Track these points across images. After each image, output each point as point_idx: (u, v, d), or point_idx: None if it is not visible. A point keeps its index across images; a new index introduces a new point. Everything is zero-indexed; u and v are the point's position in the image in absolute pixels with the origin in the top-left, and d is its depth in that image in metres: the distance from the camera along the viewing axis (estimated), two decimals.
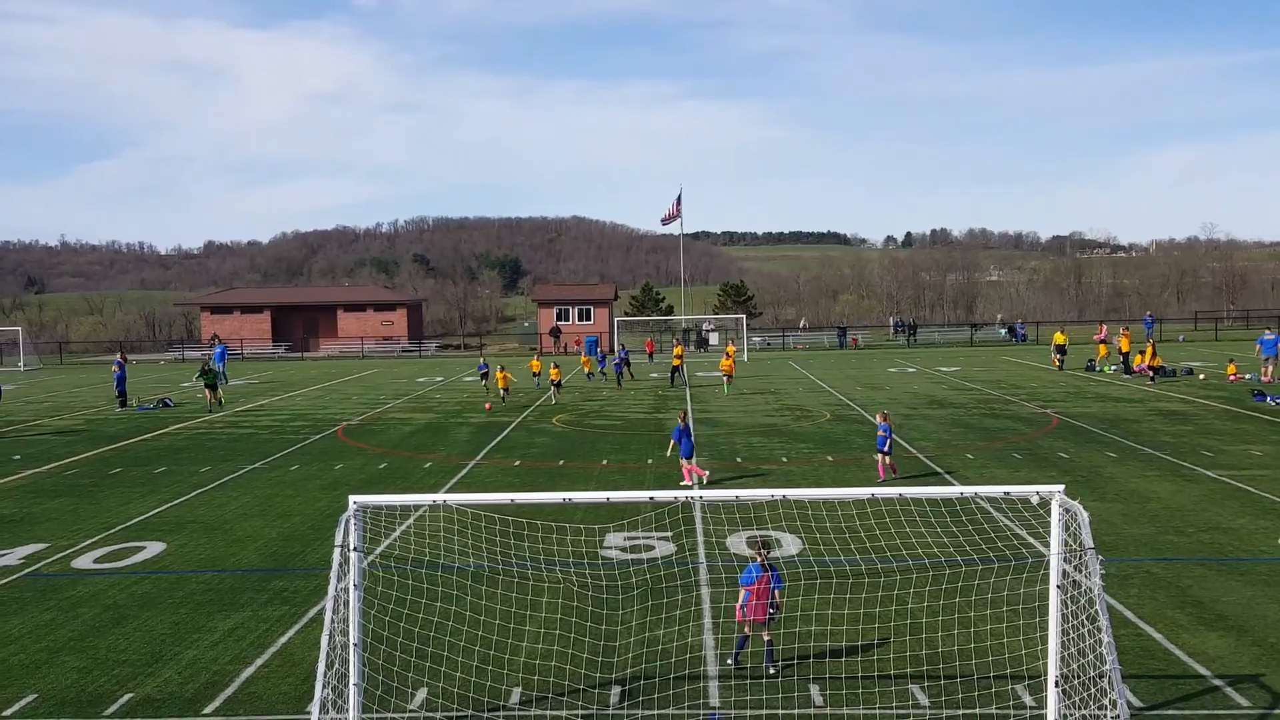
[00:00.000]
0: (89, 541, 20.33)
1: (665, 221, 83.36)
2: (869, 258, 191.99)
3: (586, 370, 55.44)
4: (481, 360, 50.06)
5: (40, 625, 15.25)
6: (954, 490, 12.22)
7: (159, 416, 41.37)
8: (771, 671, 12.74)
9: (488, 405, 39.50)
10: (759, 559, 12.87)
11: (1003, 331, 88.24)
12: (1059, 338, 57.99)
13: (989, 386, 47.02)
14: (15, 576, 17.97)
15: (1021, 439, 31.09)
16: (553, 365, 45.13)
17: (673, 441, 25.23)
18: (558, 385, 43.15)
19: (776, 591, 12.79)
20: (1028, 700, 11.91)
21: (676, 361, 53.61)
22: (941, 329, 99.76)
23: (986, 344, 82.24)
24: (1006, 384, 47.95)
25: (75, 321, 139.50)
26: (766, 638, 12.87)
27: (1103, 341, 56.60)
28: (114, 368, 45.95)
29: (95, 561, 18.87)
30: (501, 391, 43.54)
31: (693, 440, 25.25)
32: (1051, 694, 11.05)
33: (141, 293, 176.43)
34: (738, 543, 18.69)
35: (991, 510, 19.87)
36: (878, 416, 24.96)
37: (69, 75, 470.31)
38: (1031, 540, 17.71)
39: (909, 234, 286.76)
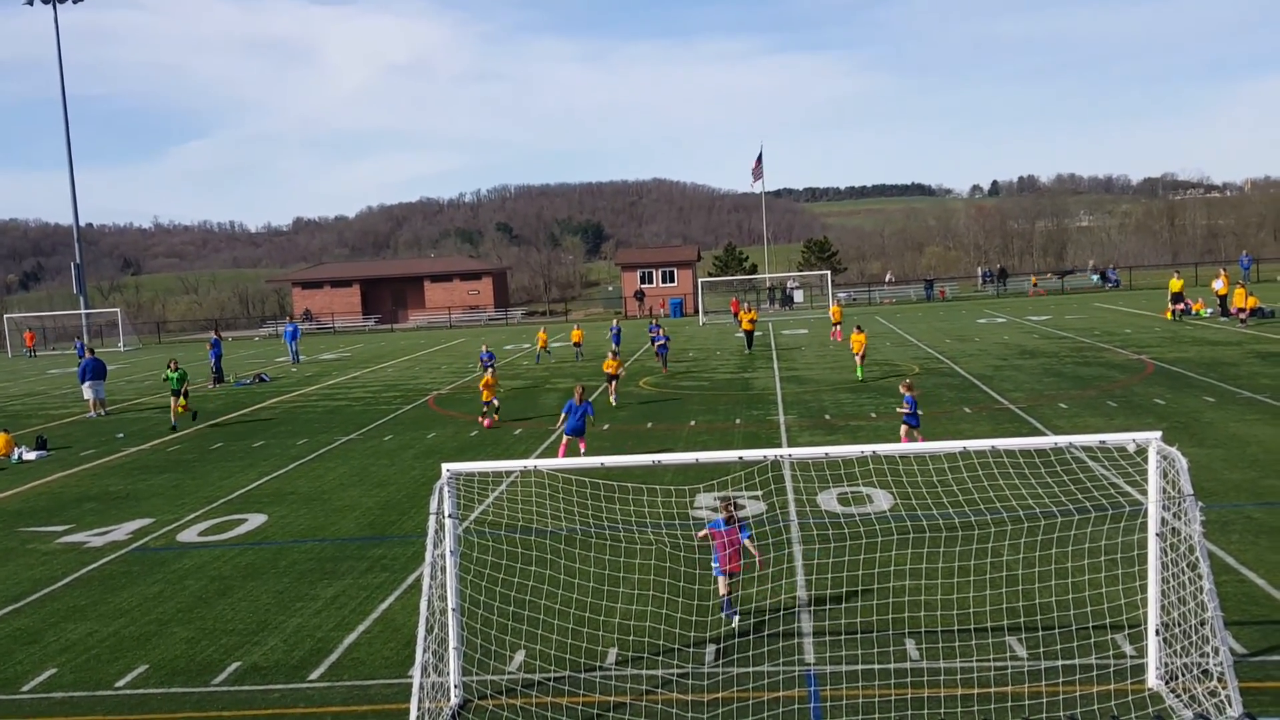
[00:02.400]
0: (193, 515, 21.08)
1: (755, 179, 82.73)
2: (954, 208, 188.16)
3: (541, 347, 47.54)
4: (484, 349, 40.00)
5: (149, 598, 15.87)
6: (1048, 440, 11.98)
7: (255, 392, 42.54)
8: (735, 622, 13.02)
9: (485, 420, 29.71)
10: (723, 514, 13.14)
11: (1095, 278, 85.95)
12: (1175, 284, 51.76)
13: (1081, 334, 45.93)
14: (124, 551, 18.72)
15: (1116, 386, 30.35)
16: (610, 355, 34.03)
17: (563, 414, 23.71)
18: (613, 379, 33.05)
19: (745, 540, 13.08)
20: (1128, 650, 11.71)
21: (747, 326, 48.42)
22: (1028, 278, 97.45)
23: (1079, 291, 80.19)
24: (1099, 331, 46.79)
25: (171, 301, 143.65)
26: (725, 588, 13.08)
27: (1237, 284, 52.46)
28: (209, 345, 47.27)
29: (200, 535, 19.56)
30: (543, 352, 44.99)
31: (584, 420, 23.40)
32: (1152, 642, 10.85)
33: (234, 271, 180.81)
34: (829, 500, 18.63)
35: (1087, 460, 19.46)
36: (901, 387, 22.19)
37: (158, 59, 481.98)
38: (1129, 489, 17.33)
39: (995, 182, 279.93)
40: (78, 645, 13.96)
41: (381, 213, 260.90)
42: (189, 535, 19.54)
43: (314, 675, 12.51)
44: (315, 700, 11.79)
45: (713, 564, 13.32)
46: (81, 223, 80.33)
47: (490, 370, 31.39)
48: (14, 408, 41.75)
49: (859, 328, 36.06)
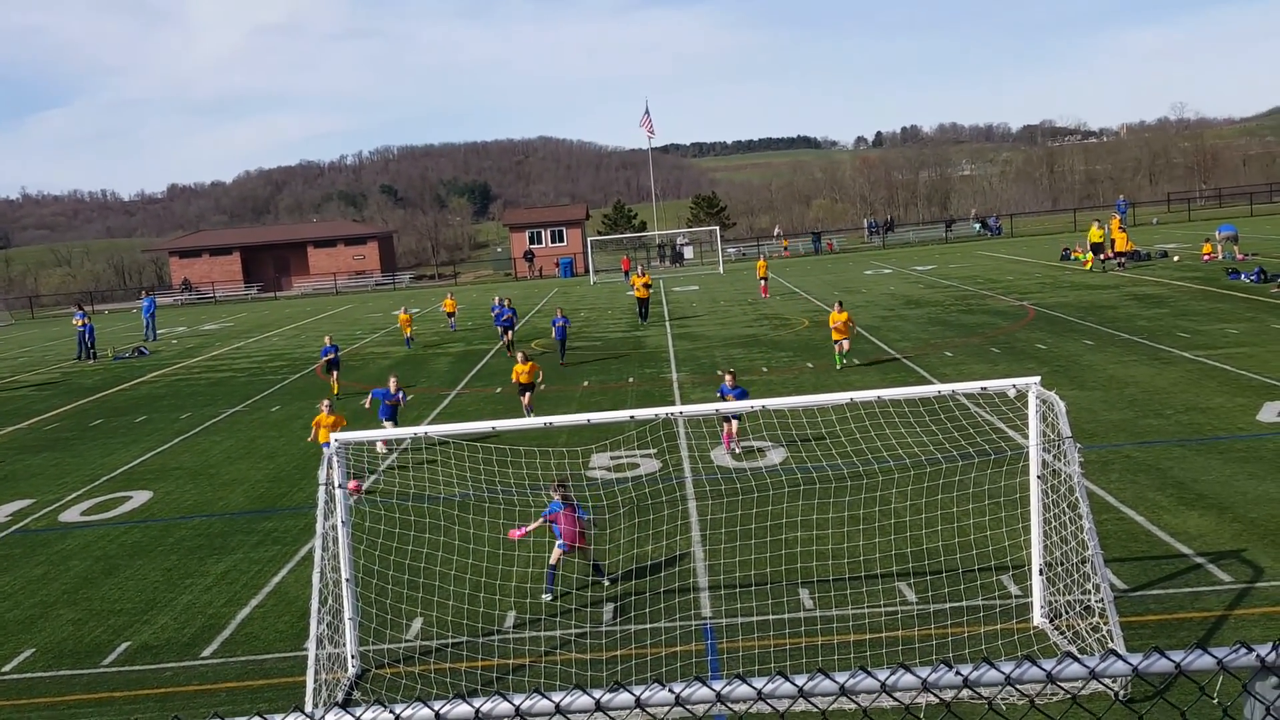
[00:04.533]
0: (75, 494, 20.31)
1: (647, 132, 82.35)
2: (840, 160, 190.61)
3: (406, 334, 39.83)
4: (327, 342, 29.64)
5: (32, 580, 15.30)
6: (932, 389, 12.30)
7: (135, 365, 41.08)
8: (608, 582, 13.23)
9: (352, 485, 15.86)
10: (557, 496, 13.22)
11: (977, 226, 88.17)
12: (1095, 233, 48.05)
13: (965, 283, 47.14)
14: (4, 533, 17.97)
15: (999, 333, 31.26)
16: (519, 357, 24.39)
17: (371, 399, 21.85)
18: (527, 390, 23.69)
19: (582, 521, 13.26)
20: (1013, 590, 12.13)
21: (641, 293, 41.54)
22: (916, 228, 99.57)
23: (962, 240, 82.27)
24: (983, 279, 48.07)
25: (44, 274, 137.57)
26: (591, 559, 13.36)
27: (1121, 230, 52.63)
28: (77, 322, 44.90)
29: (83, 514, 18.86)
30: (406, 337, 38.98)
31: (396, 408, 21.50)
32: (1036, 582, 11.26)
33: (108, 241, 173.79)
34: (722, 456, 18.81)
35: (970, 406, 20.03)
36: (727, 378, 19.03)
37: (10, 22, 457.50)
38: (1011, 433, 17.89)
39: (879, 133, 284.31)
40: None
41: (260, 177, 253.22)
42: (71, 515, 18.83)
43: (207, 652, 12.22)
44: (209, 677, 11.53)
45: (557, 540, 13.23)
46: None
47: (326, 409, 19.33)
48: None
49: (840, 305, 28.30)
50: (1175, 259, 48.07)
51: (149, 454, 23.55)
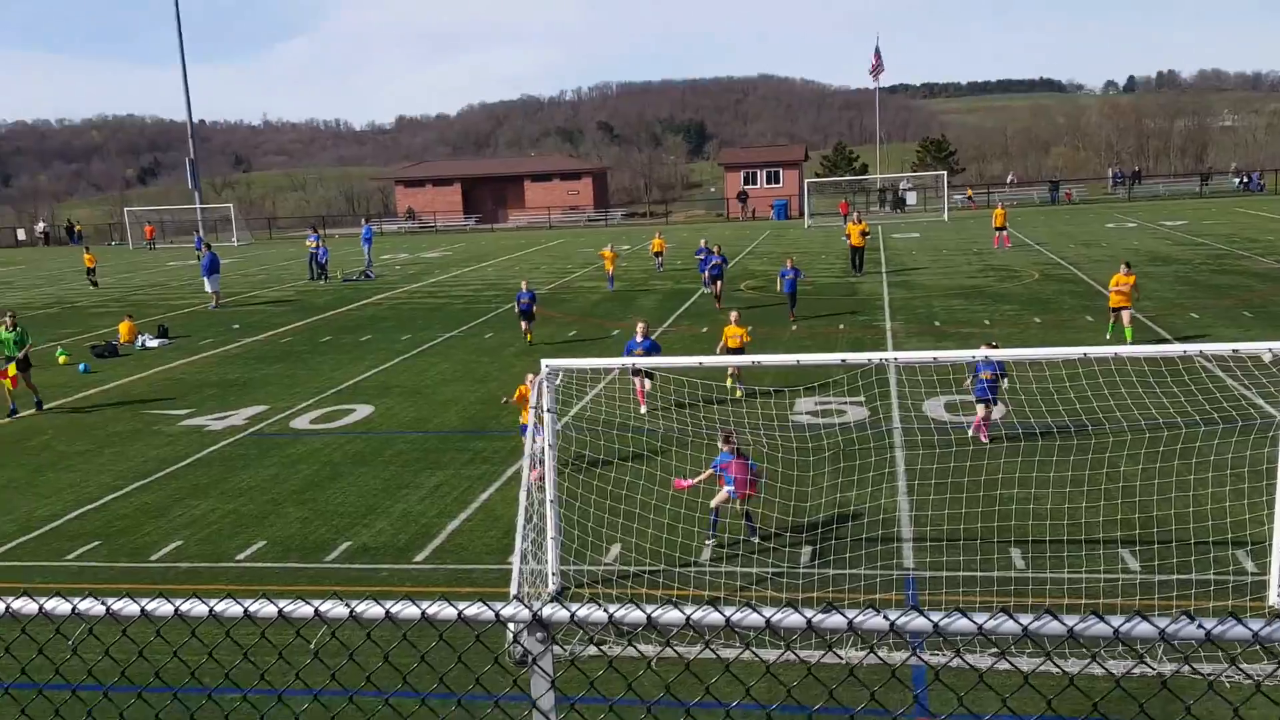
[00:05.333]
0: (305, 404, 21.63)
1: (875, 74, 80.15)
2: (1086, 105, 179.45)
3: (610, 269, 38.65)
4: (524, 287, 27.48)
5: (265, 479, 16.43)
6: (1175, 348, 11.35)
7: (361, 288, 43.29)
8: (756, 540, 12.73)
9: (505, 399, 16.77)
10: (726, 447, 12.66)
11: (1236, 182, 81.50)
12: None
13: (1219, 241, 43.79)
14: (241, 435, 19.35)
15: (1255, 296, 28.89)
16: (732, 317, 21.11)
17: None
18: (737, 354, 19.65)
19: (753, 471, 12.81)
20: (1249, 566, 11.22)
21: (857, 241, 38.75)
22: (1167, 180, 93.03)
23: (1219, 195, 76.45)
24: (1240, 238, 44.53)
25: (280, 198, 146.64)
26: (746, 512, 12.89)
27: None
28: (310, 244, 47.47)
29: (311, 422, 20.08)
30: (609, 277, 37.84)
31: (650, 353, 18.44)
32: (1276, 559, 10.35)
33: (339, 169, 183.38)
34: (935, 407, 18.17)
35: (1218, 370, 18.56)
36: (983, 348, 14.80)
37: None
38: (1261, 401, 16.50)
39: (1131, 78, 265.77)
40: (201, 520, 14.67)
41: (483, 111, 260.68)
42: (301, 423, 20.08)
43: (419, 558, 12.82)
44: (420, 580, 12.10)
45: (728, 486, 12.70)
46: (195, 119, 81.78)
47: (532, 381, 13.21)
48: (136, 298, 43.32)
49: (1127, 266, 24.14)
50: None
51: (371, 371, 24.79)
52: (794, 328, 27.59)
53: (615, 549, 12.63)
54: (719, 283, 31.97)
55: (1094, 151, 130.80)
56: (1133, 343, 22.24)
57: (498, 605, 2.53)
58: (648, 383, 18.66)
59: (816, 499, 13.61)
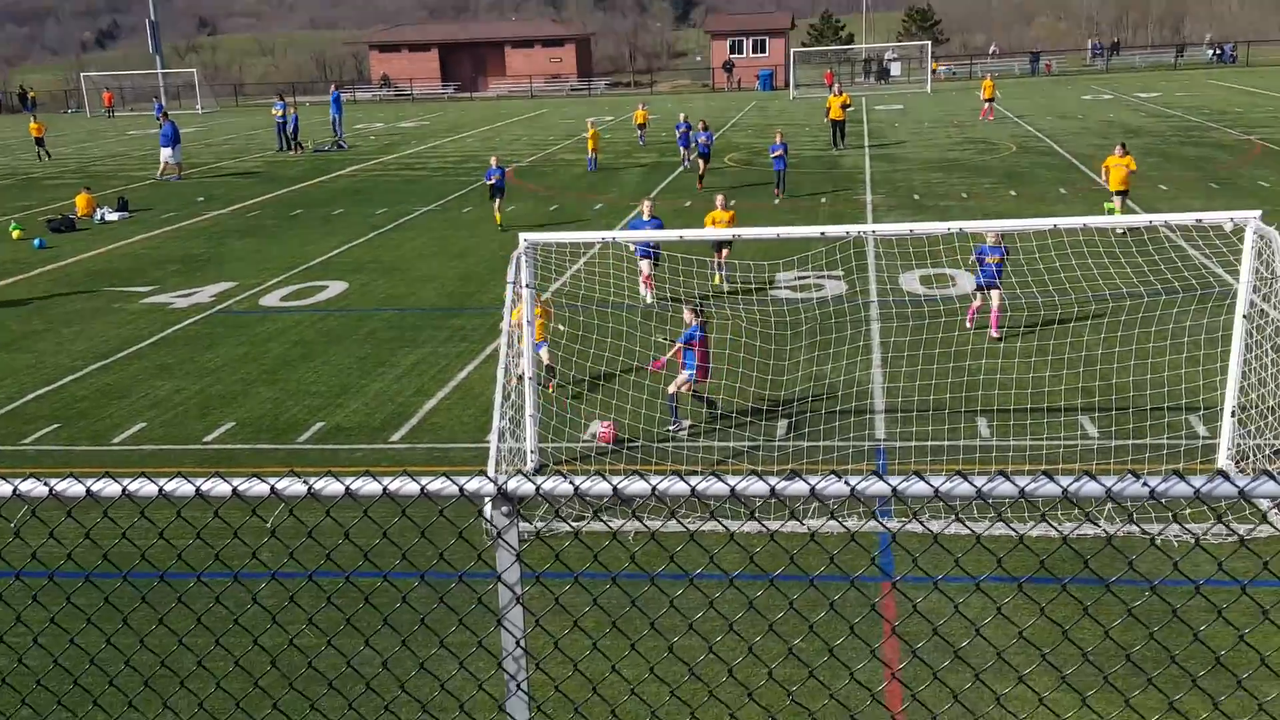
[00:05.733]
0: (275, 280, 21.54)
1: None
2: None
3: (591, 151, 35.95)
4: (493, 163, 25.66)
5: (234, 359, 16.42)
6: (1141, 219, 11.54)
7: (334, 159, 42.61)
8: (720, 412, 12.78)
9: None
10: (696, 321, 12.38)
11: (1210, 53, 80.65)
12: None
13: (1190, 113, 43.55)
14: (208, 313, 19.28)
15: (1221, 168, 28.93)
16: (718, 201, 19.05)
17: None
18: (723, 245, 18.96)
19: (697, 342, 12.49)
20: (1201, 430, 11.61)
21: (838, 114, 37.54)
22: (1144, 52, 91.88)
23: (1192, 67, 75.57)
24: (1210, 110, 44.28)
25: (248, 63, 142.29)
26: (706, 398, 12.80)
27: None
28: (276, 112, 46.11)
29: (282, 300, 20.05)
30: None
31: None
32: (1226, 423, 10.72)
33: (310, 33, 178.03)
34: (910, 281, 18.34)
35: (1181, 241, 18.77)
36: (989, 238, 14.85)
37: None
38: (1220, 271, 16.76)
39: None
40: (166, 401, 14.62)
41: None
42: (271, 300, 20.04)
43: (395, 437, 13.00)
44: (397, 460, 12.29)
45: (688, 370, 12.50)
46: None
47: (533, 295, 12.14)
48: (95, 169, 42.39)
49: (1123, 147, 22.23)
50: None
51: (345, 246, 24.66)
52: (776, 203, 27.45)
53: (595, 425, 12.87)
54: (704, 162, 30.58)
55: (1075, 23, 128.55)
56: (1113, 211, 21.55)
57: (461, 479, 2.66)
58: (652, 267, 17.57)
59: (793, 373, 13.86)
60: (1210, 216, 10.50)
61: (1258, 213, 10.24)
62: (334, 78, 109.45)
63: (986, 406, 12.60)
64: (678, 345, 12.80)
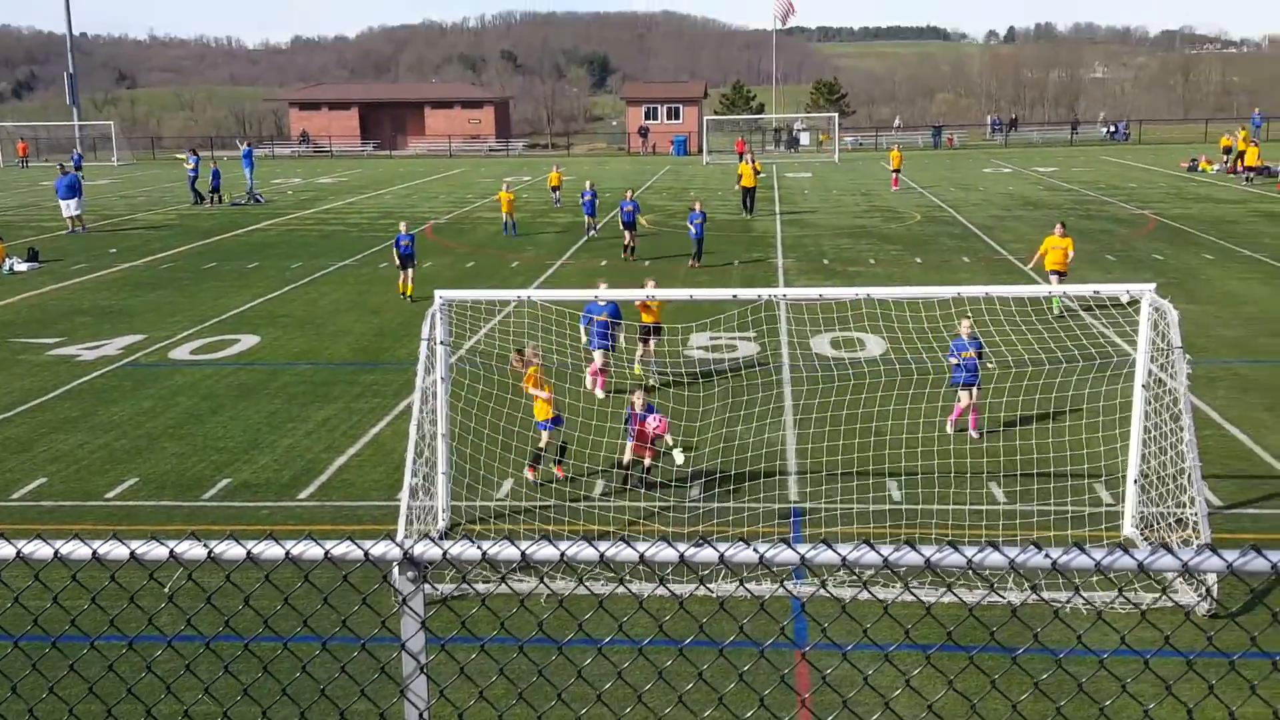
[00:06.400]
0: (185, 333, 21.08)
1: (783, 18, 79.91)
2: (969, 54, 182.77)
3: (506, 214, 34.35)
4: (402, 229, 24.23)
5: (140, 412, 15.98)
6: (1041, 289, 11.95)
7: (251, 212, 42.05)
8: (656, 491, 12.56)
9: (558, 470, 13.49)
10: (639, 404, 12.59)
11: (1104, 131, 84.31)
12: (1247, 150, 42.23)
13: (1087, 187, 45.31)
14: (115, 366, 18.76)
15: (1117, 241, 30.09)
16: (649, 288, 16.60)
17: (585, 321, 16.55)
18: (651, 333, 17.49)
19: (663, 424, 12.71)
20: (1105, 497, 11.92)
21: (750, 181, 37.80)
22: (1041, 128, 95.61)
23: (1087, 143, 78.80)
24: (1105, 185, 46.13)
25: (167, 117, 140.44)
26: (646, 463, 12.82)
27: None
28: (190, 165, 45.46)
29: (192, 353, 19.60)
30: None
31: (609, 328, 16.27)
32: (1130, 491, 11.04)
33: (231, 88, 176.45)
34: (821, 344, 18.64)
35: (1080, 311, 19.45)
36: (964, 330, 14.10)
37: None
38: (1119, 340, 17.36)
39: (1012, 28, 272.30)
40: (68, 456, 14.14)
41: (383, 34, 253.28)
42: (181, 353, 19.58)
43: (304, 494, 12.72)
44: (304, 518, 12.02)
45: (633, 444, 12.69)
46: (75, 31, 77.55)
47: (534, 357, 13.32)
48: (5, 218, 41.21)
49: (1063, 227, 20.90)
50: None
51: (259, 300, 24.26)
52: (693, 268, 27.30)
53: (508, 484, 12.77)
54: (631, 231, 29.00)
55: (975, 99, 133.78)
56: (1073, 305, 20.33)
57: (366, 544, 2.62)
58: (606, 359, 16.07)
59: (705, 434, 13.93)
60: (1108, 288, 10.92)
61: (1152, 285, 10.68)
62: (253, 133, 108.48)
63: (895, 471, 12.80)
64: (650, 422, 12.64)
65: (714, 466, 13.11)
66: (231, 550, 2.65)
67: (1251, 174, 44.65)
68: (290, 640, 8.38)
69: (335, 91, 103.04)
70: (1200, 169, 50.88)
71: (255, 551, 2.64)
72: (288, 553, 2.65)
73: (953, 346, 14.03)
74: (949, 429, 14.12)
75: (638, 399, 12.78)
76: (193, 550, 2.66)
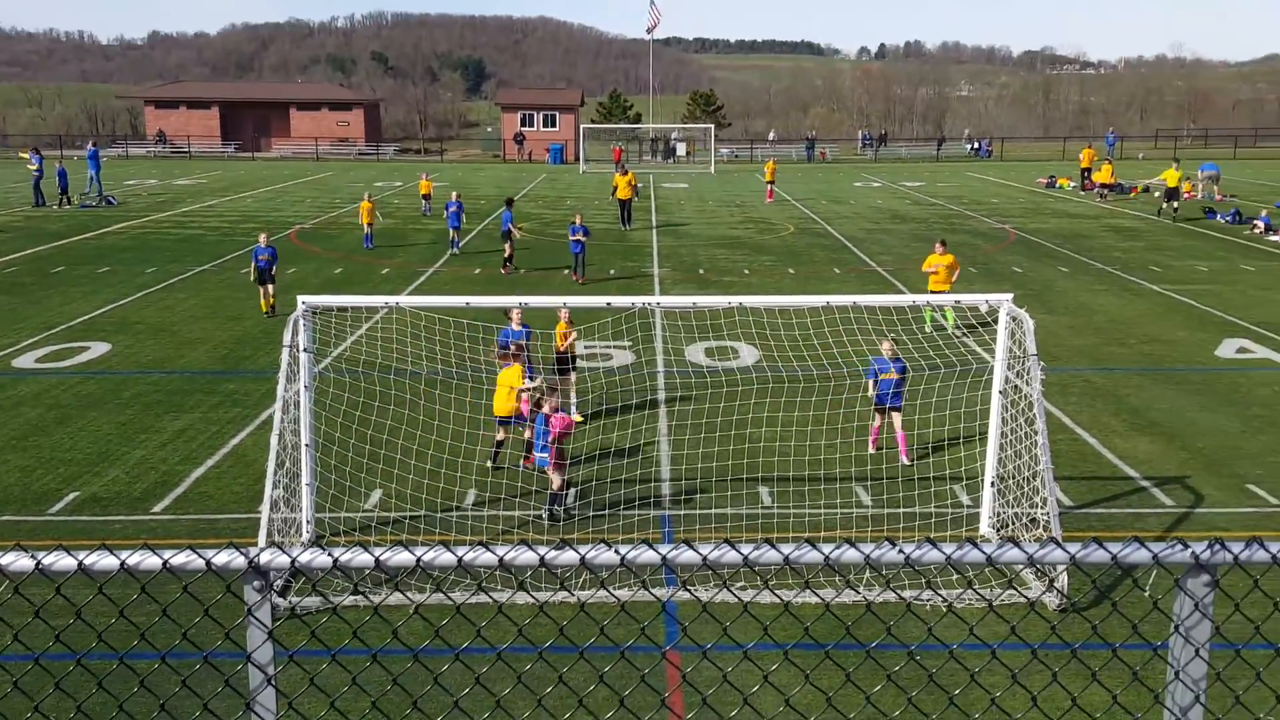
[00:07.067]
0: (30, 341, 20.01)
1: (651, 30, 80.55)
2: (841, 69, 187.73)
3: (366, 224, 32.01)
4: (262, 241, 22.40)
5: None
6: (906, 299, 12.29)
7: (102, 215, 40.29)
8: (548, 518, 11.89)
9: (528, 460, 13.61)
10: (549, 408, 12.03)
11: (969, 147, 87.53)
12: (1172, 177, 38.66)
13: (951, 202, 46.87)
14: None
15: (979, 254, 31.18)
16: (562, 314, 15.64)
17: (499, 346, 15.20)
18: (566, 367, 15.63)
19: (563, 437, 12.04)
20: (965, 499, 12.28)
21: (625, 193, 36.98)
22: (909, 144, 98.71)
23: (952, 159, 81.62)
24: (968, 200, 47.79)
25: (12, 114, 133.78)
26: (557, 483, 11.99)
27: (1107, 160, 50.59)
28: (33, 165, 42.54)
29: (37, 361, 18.62)
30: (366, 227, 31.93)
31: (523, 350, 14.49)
32: (987, 493, 11.41)
33: (83, 85, 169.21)
34: (696, 353, 18.77)
35: (942, 320, 20.05)
36: (885, 350, 13.73)
37: None
38: (977, 348, 17.98)
39: (883, 45, 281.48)
40: None
41: (246, 32, 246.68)
42: (25, 361, 18.58)
43: (158, 508, 12.19)
44: (158, 532, 11.52)
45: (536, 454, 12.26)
46: None
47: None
48: None
49: (943, 244, 21.01)
50: (1156, 194, 47.65)
51: (110, 306, 23.23)
52: (577, 282, 26.39)
53: (376, 495, 12.47)
54: (509, 243, 27.77)
55: (848, 113, 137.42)
56: (944, 324, 19.97)
57: (209, 553, 2.47)
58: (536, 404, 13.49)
59: (579, 441, 13.86)
60: (968, 298, 11.28)
61: (1009, 296, 11.08)
62: (107, 132, 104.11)
63: (768, 475, 12.95)
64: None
65: (589, 474, 13.04)
66: (62, 561, 2.47)
67: (1105, 191, 46.84)
68: (124, 657, 8.00)
69: (195, 90, 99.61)
70: (1059, 185, 53.14)
71: (88, 563, 2.47)
72: (123, 563, 2.48)
73: (873, 366, 13.71)
74: (870, 449, 13.76)
75: (548, 404, 12.17)
76: (19, 562, 2.48)
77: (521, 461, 13.25)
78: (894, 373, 13.40)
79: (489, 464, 13.24)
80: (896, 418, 13.54)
